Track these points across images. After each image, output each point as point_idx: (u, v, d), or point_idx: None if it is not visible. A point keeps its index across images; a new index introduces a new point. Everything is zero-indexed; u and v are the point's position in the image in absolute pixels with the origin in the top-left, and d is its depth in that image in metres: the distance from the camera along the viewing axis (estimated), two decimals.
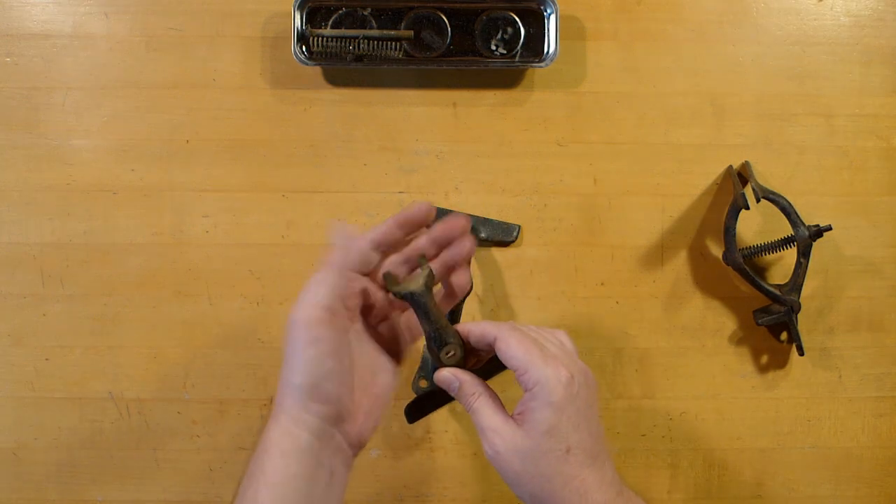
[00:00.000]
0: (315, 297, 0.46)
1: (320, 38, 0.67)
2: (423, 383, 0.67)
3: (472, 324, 0.48)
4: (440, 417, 0.71)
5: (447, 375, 0.48)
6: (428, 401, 0.52)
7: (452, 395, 0.49)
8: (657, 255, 0.71)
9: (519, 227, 0.70)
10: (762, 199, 0.67)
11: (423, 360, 0.68)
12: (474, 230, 0.69)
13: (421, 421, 0.69)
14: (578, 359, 0.48)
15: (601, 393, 0.71)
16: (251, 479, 0.45)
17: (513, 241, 0.70)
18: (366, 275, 0.49)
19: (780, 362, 0.72)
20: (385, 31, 0.69)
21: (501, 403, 0.48)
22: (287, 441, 0.45)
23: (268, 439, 0.45)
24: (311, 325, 0.45)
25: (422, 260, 0.49)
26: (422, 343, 0.69)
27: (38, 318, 0.70)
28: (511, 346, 0.45)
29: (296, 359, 0.45)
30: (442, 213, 0.70)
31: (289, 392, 0.45)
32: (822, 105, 0.72)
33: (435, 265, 0.50)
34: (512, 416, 0.47)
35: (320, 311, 0.45)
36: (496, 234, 0.69)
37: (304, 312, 0.45)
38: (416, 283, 0.47)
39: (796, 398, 0.72)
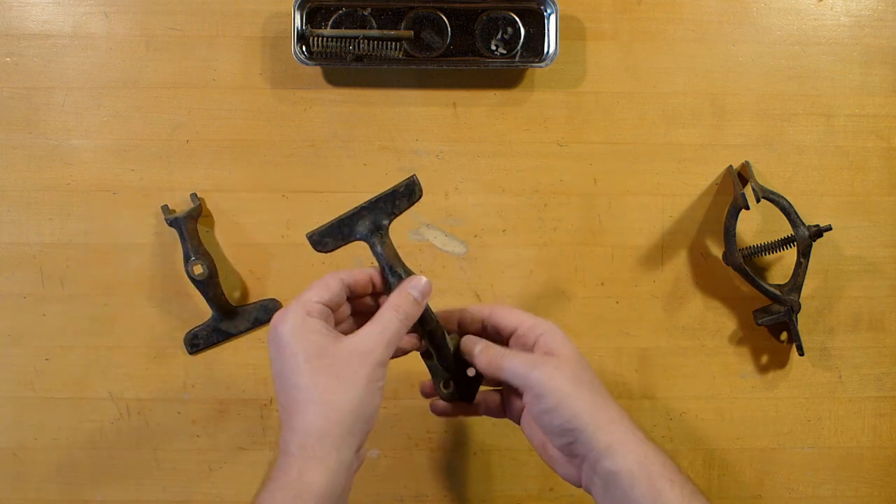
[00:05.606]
0: (384, 335, 0.48)
1: (320, 38, 0.67)
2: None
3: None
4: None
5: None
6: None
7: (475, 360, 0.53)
8: (657, 255, 0.71)
9: (414, 175, 0.55)
10: (762, 199, 0.67)
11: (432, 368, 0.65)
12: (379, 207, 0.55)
13: (421, 421, 0.68)
14: None
15: None
16: None
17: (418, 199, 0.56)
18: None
19: (780, 362, 0.72)
20: (385, 31, 0.69)
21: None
22: (337, 488, 0.45)
23: (312, 485, 0.44)
24: (382, 363, 0.47)
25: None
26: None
27: (38, 318, 0.70)
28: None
29: (354, 392, 0.45)
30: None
31: (339, 426, 0.45)
32: (822, 105, 0.72)
33: None
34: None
35: (387, 350, 0.48)
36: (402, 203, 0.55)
37: (377, 353, 0.47)
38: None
39: (796, 398, 0.72)
